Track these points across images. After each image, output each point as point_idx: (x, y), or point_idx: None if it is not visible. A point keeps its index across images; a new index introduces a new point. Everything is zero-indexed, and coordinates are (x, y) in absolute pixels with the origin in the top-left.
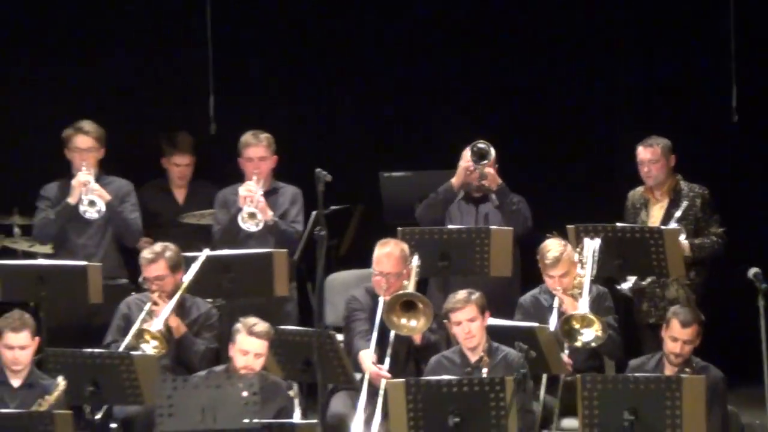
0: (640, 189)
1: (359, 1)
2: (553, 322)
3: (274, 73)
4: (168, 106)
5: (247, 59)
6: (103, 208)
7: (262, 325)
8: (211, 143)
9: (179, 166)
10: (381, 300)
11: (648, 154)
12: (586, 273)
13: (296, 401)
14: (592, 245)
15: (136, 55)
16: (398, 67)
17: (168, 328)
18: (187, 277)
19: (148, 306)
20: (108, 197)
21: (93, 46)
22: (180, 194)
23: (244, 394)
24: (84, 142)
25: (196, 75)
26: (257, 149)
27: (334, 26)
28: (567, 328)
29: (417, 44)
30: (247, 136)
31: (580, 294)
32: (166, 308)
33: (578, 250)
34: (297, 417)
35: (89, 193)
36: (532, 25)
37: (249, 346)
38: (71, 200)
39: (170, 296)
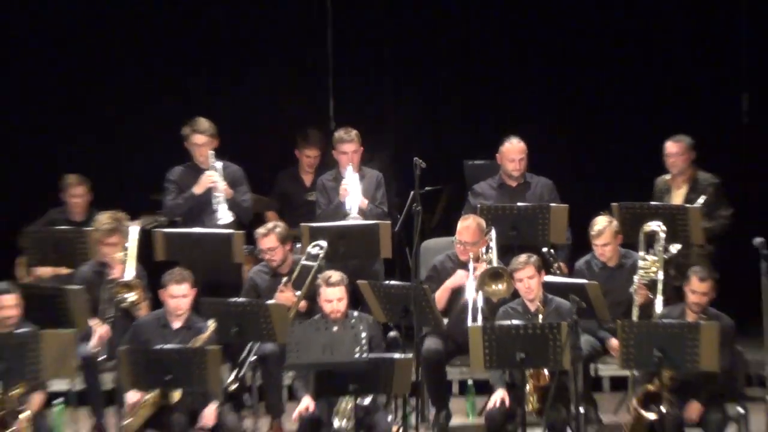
0: (665, 177)
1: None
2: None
3: (382, 77)
4: (294, 106)
5: (360, 66)
6: (226, 207)
7: (335, 276)
8: (329, 138)
9: (309, 157)
10: (471, 266)
11: (674, 148)
12: (660, 265)
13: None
14: (661, 231)
15: (267, 63)
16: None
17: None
18: (313, 271)
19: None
20: (231, 193)
21: (230, 57)
22: (308, 179)
23: (357, 333)
24: (199, 139)
25: (320, 79)
26: (350, 144)
27: (429, 33)
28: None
29: (488, 49)
30: (340, 134)
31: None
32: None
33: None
34: (396, 353)
35: (218, 195)
36: (579, 32)
37: (330, 294)
38: (197, 191)
39: (285, 270)
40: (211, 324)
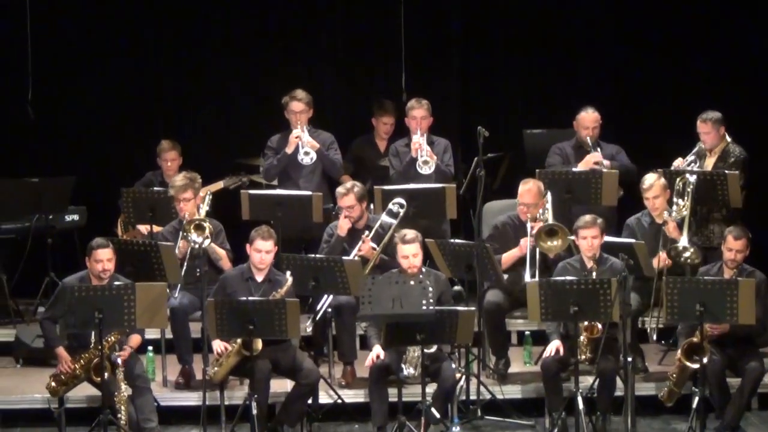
0: (701, 144)
1: None
2: (651, 237)
3: (450, 53)
4: (369, 77)
5: (429, 43)
6: (314, 156)
7: (410, 234)
8: (402, 109)
9: (386, 124)
10: (528, 225)
11: (702, 127)
12: (685, 202)
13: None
14: (691, 179)
15: (345, 35)
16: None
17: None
18: (377, 224)
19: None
20: (317, 146)
21: (315, 35)
22: (382, 145)
23: (424, 287)
24: (297, 107)
25: (393, 55)
26: (420, 110)
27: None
28: (672, 249)
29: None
30: (412, 102)
31: (671, 215)
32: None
33: (681, 182)
34: (462, 306)
35: (304, 147)
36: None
37: (407, 251)
38: (288, 150)
39: (359, 224)
40: (289, 278)
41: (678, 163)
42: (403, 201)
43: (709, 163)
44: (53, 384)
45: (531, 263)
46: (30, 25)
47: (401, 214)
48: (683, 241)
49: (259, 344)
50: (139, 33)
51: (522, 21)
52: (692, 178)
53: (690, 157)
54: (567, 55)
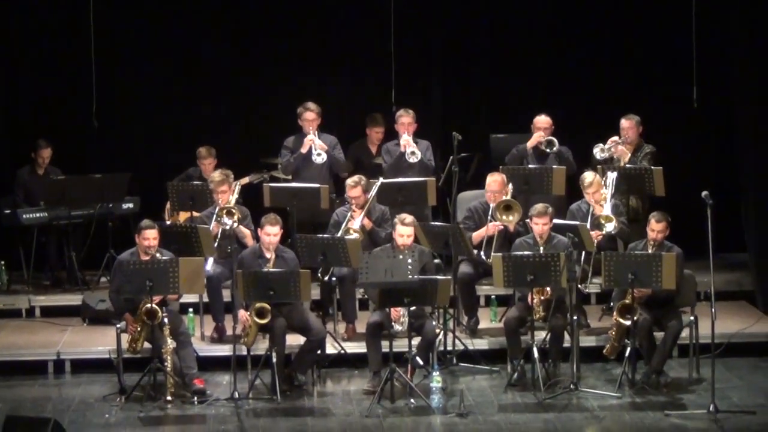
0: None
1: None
2: (588, 221)
3: (431, 72)
4: (365, 90)
5: (415, 62)
6: (325, 156)
7: (408, 218)
8: (392, 118)
9: (377, 133)
10: (491, 206)
11: (625, 123)
12: (608, 192)
13: (440, 264)
14: (611, 176)
15: (346, 56)
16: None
17: (362, 225)
18: (371, 194)
19: (349, 214)
20: (326, 148)
21: (328, 58)
22: (374, 149)
23: (409, 260)
24: (310, 115)
25: (384, 73)
26: (407, 118)
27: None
28: (597, 223)
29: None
30: (401, 111)
31: (604, 203)
32: (361, 215)
33: (604, 178)
34: (439, 276)
35: (317, 149)
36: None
37: (403, 231)
38: (303, 150)
39: (362, 208)
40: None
41: (598, 148)
42: (378, 181)
43: (626, 154)
44: (131, 344)
45: (496, 242)
46: (94, 49)
47: (376, 187)
48: (606, 211)
49: (268, 314)
50: (179, 56)
51: (493, 43)
52: (612, 174)
53: (608, 144)
54: (527, 72)
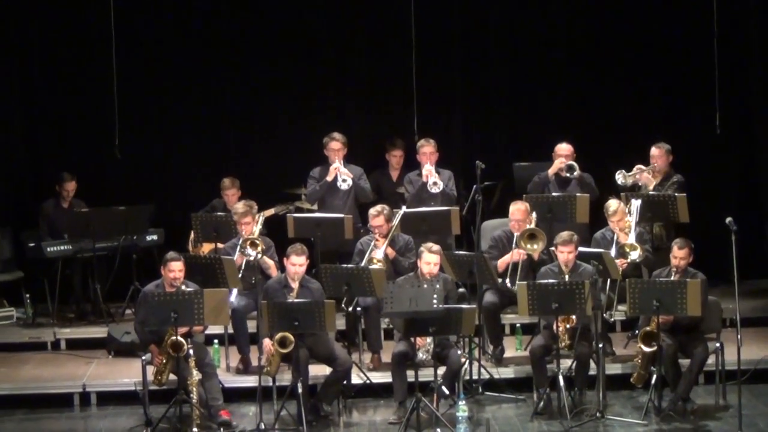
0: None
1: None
2: (613, 249)
3: (454, 101)
4: (389, 121)
5: (437, 93)
6: (351, 182)
7: (435, 247)
8: (412, 148)
9: (395, 156)
10: (515, 234)
11: (656, 151)
12: (632, 219)
13: (464, 293)
14: (635, 204)
15: (369, 88)
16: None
17: (386, 255)
18: (394, 223)
19: (372, 243)
20: (351, 175)
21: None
22: (394, 175)
23: (436, 288)
24: (336, 145)
25: (406, 102)
26: (429, 147)
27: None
28: (622, 251)
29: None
30: (422, 141)
31: (629, 231)
32: (384, 244)
33: (628, 206)
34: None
35: (342, 175)
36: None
37: (430, 259)
38: (329, 179)
39: (385, 237)
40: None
41: (621, 174)
42: (401, 211)
43: (651, 181)
44: (157, 376)
45: (521, 271)
46: (116, 81)
47: (398, 217)
48: (630, 239)
49: (290, 343)
50: (202, 88)
51: (513, 72)
52: (637, 202)
53: (633, 171)
54: (547, 103)
